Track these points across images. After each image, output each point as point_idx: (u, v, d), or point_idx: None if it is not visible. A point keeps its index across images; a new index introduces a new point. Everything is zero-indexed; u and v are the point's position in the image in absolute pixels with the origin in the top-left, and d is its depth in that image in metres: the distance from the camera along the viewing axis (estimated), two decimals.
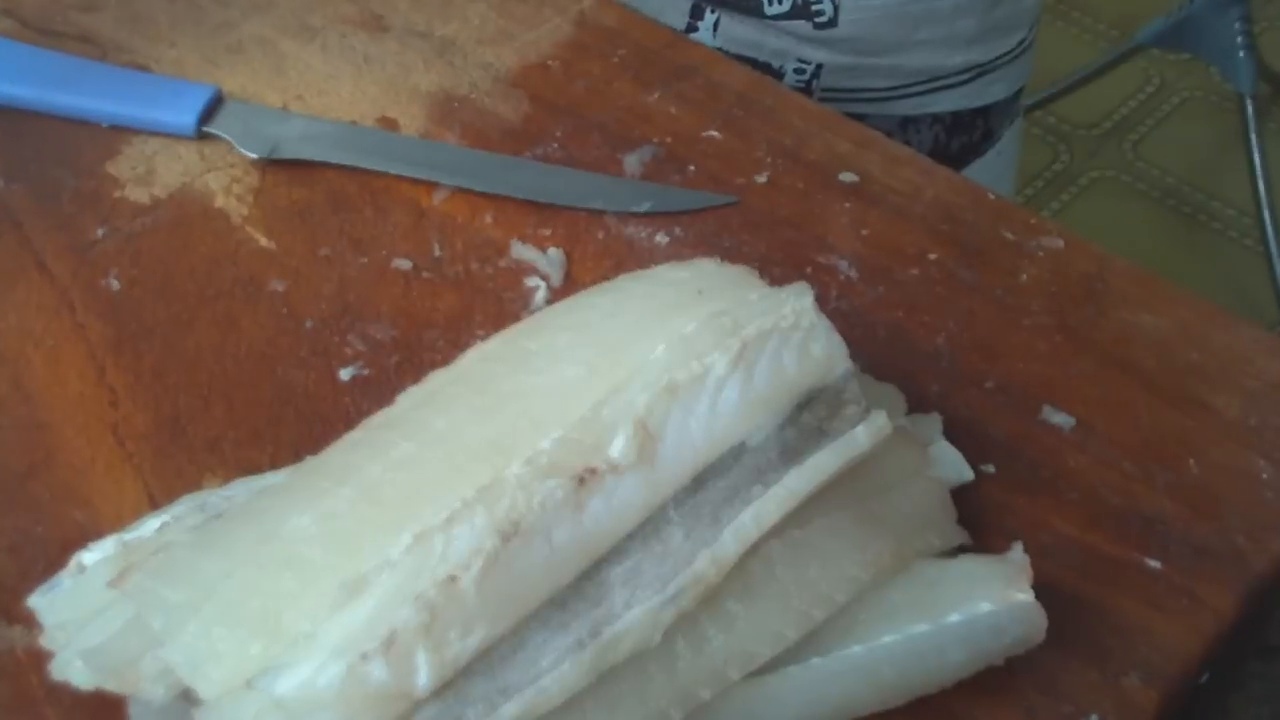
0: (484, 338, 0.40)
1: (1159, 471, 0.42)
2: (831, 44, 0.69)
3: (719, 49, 0.67)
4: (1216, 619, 0.38)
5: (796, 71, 0.70)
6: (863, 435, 0.36)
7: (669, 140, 0.53)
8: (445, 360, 0.39)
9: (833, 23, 0.68)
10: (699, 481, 0.34)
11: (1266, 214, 1.44)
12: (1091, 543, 0.40)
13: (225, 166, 0.52)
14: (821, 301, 0.45)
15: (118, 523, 0.39)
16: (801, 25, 0.68)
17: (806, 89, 0.71)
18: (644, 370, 0.35)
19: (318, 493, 0.34)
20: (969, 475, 0.41)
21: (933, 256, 0.48)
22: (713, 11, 0.69)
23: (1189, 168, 1.62)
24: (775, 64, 0.70)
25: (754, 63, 0.69)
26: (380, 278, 0.48)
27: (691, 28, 0.70)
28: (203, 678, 0.31)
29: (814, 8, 0.67)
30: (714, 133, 0.53)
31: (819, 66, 0.70)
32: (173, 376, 0.44)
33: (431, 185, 0.51)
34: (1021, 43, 0.74)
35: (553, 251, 0.48)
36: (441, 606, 0.30)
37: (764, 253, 0.48)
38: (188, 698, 0.32)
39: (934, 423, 0.42)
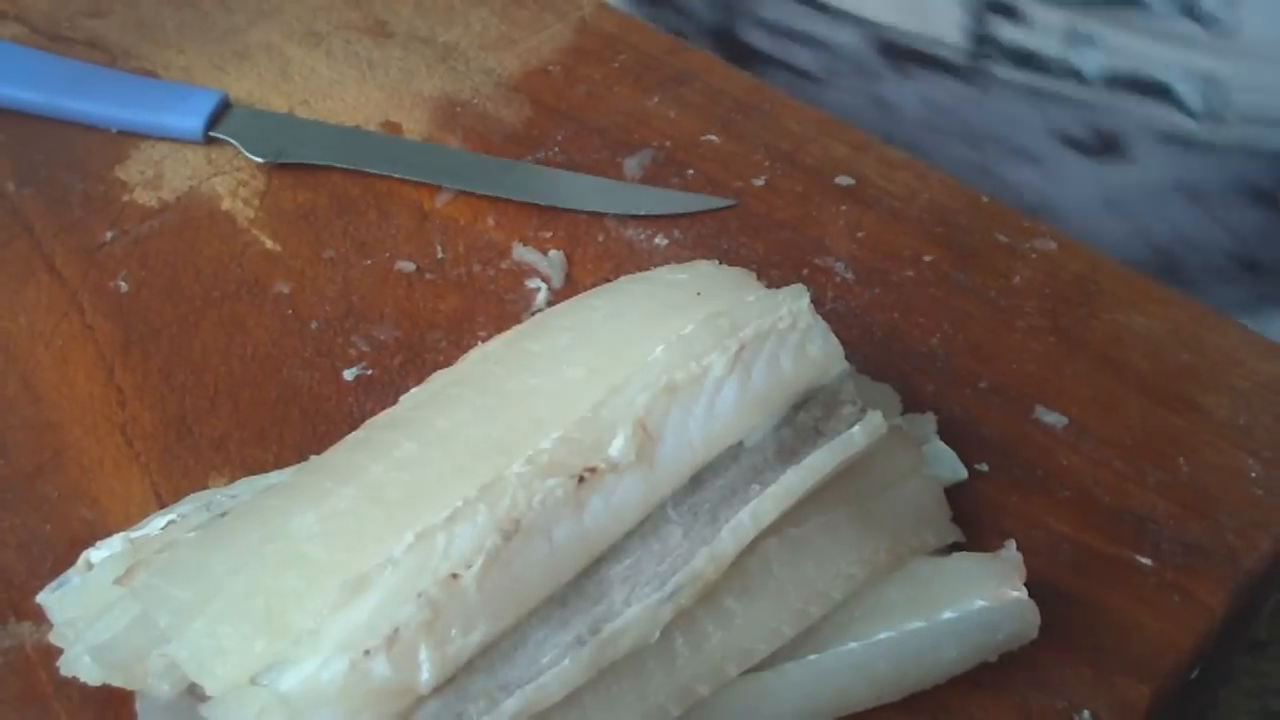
0: (486, 339, 0.40)
1: (1150, 470, 0.42)
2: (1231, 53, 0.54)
3: (1108, 70, 0.56)
4: (1207, 615, 0.39)
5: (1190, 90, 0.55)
6: (859, 435, 0.36)
7: (668, 144, 0.53)
8: (448, 361, 0.39)
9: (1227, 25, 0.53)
10: (697, 481, 0.35)
11: None
12: (1084, 540, 0.40)
13: (232, 170, 0.52)
14: (818, 303, 0.46)
15: (125, 521, 0.39)
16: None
17: (1213, 115, 0.55)
18: (643, 371, 0.35)
19: (321, 492, 0.34)
20: (963, 474, 0.41)
21: (928, 259, 0.48)
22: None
23: None
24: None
25: (1147, 85, 0.55)
26: (384, 279, 0.48)
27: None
28: (208, 674, 0.31)
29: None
30: (713, 137, 0.53)
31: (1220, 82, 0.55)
32: (180, 377, 0.45)
33: (434, 188, 0.51)
34: None
35: (554, 253, 0.49)
36: (443, 604, 0.31)
37: (762, 255, 0.49)
38: (194, 693, 0.33)
39: (929, 422, 0.42)
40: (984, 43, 0.56)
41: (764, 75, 0.61)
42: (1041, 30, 0.55)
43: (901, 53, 0.58)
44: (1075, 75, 0.56)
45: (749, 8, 0.59)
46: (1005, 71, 0.56)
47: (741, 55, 0.63)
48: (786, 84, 0.55)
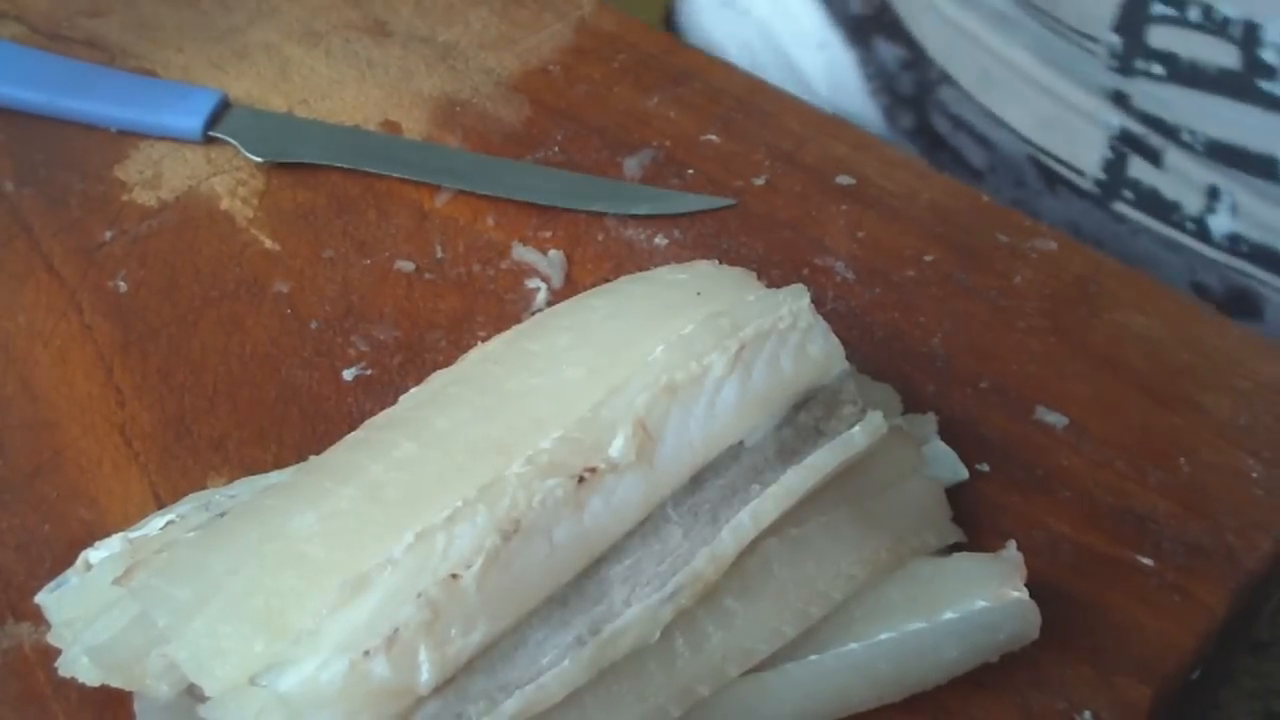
0: (485, 339, 0.40)
1: (1151, 470, 0.42)
2: None
3: (1236, 234, 0.53)
4: (1208, 616, 0.39)
5: None
6: (859, 435, 0.36)
7: (668, 144, 0.53)
8: (447, 361, 0.39)
9: None
10: (697, 481, 0.35)
11: None
12: (1085, 541, 0.40)
13: (231, 170, 0.52)
14: (818, 303, 0.46)
15: (124, 521, 0.39)
16: None
17: None
18: (643, 371, 0.35)
19: (321, 492, 0.34)
20: (964, 474, 0.41)
21: (928, 258, 0.48)
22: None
23: None
24: None
25: (1274, 257, 0.52)
26: (383, 279, 0.48)
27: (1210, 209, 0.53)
28: (207, 674, 0.31)
29: None
30: (713, 136, 0.53)
31: None
32: (179, 376, 0.45)
33: (434, 188, 0.51)
34: None
35: (553, 253, 0.49)
36: (443, 604, 0.31)
37: (762, 254, 0.49)
38: (193, 694, 0.33)
39: (929, 422, 0.42)
40: (1118, 179, 0.55)
41: (940, 162, 0.60)
42: (1177, 179, 0.53)
43: (1045, 168, 0.58)
44: (1203, 231, 0.54)
45: (939, 97, 0.59)
46: (1133, 213, 0.55)
47: (928, 139, 0.64)
48: (955, 172, 0.54)
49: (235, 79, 0.56)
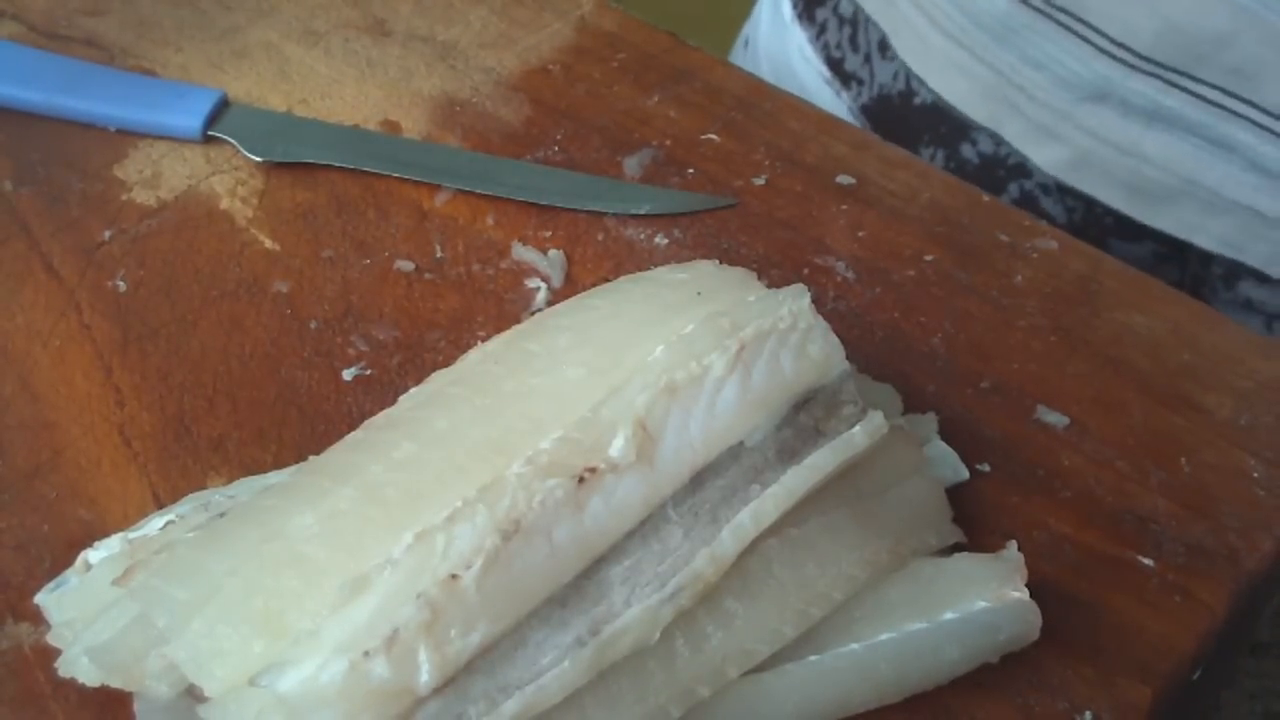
0: (485, 339, 0.40)
1: (1152, 470, 0.42)
2: None
3: None
4: (1209, 616, 0.39)
5: None
6: (859, 435, 0.36)
7: (668, 143, 0.53)
8: (447, 361, 0.39)
9: None
10: (697, 481, 0.34)
11: None
12: (1086, 541, 0.40)
13: (230, 169, 0.52)
14: (819, 302, 0.46)
15: (123, 521, 0.39)
16: None
17: None
18: (643, 371, 0.35)
19: (320, 492, 0.34)
20: (964, 474, 0.41)
21: (929, 258, 0.48)
22: None
23: None
24: None
25: None
26: (383, 279, 0.48)
27: None
28: (207, 675, 0.31)
29: None
30: (713, 136, 0.53)
31: None
32: (178, 376, 0.45)
33: (433, 187, 0.51)
34: None
35: (553, 253, 0.49)
36: (443, 604, 0.31)
37: (762, 254, 0.49)
38: (192, 694, 0.33)
39: (930, 422, 0.42)
40: None
41: None
42: None
43: None
44: None
45: None
46: None
47: None
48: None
49: (234, 78, 0.56)
